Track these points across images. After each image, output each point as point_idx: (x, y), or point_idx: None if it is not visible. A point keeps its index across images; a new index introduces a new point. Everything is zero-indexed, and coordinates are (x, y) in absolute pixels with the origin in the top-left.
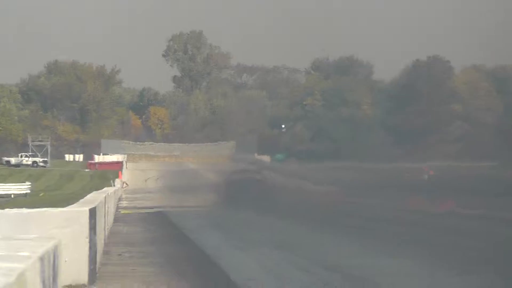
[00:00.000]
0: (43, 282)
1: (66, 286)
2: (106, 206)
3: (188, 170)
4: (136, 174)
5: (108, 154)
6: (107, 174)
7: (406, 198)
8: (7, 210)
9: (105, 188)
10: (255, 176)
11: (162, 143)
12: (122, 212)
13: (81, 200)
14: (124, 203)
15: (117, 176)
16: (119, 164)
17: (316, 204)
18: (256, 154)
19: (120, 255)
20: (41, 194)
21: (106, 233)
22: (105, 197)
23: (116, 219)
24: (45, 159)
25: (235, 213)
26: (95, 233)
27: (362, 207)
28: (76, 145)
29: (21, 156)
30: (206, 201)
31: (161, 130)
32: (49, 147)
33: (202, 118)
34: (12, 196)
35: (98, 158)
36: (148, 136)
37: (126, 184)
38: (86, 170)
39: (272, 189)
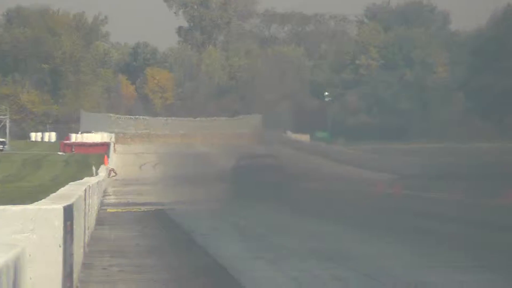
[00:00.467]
0: None
1: None
2: (87, 202)
3: (198, 154)
4: (128, 160)
5: (89, 132)
6: (88, 160)
7: (504, 191)
8: None
9: (86, 179)
10: (272, 161)
11: (163, 118)
12: (109, 210)
13: (53, 195)
14: (111, 199)
15: (102, 162)
16: (104, 146)
17: (374, 200)
18: (290, 132)
19: (105, 269)
20: None
21: (87, 239)
22: (85, 191)
23: (101, 220)
24: (3, 139)
25: (257, 211)
26: (72, 239)
27: (439, 203)
28: (45, 120)
29: None
30: (221, 195)
31: (161, 100)
32: (8, 122)
33: (217, 84)
34: None
35: (76, 138)
36: (144, 109)
37: (114, 172)
38: (60, 153)
39: (301, 177)
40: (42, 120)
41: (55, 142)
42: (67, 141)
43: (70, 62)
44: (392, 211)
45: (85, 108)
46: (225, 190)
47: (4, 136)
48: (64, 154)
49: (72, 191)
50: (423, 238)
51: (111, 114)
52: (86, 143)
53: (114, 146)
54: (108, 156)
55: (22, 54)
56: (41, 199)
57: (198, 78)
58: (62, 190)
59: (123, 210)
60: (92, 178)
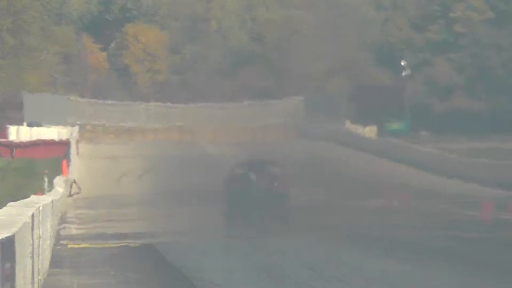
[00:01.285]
0: None
1: None
2: (37, 234)
3: (205, 159)
4: (100, 167)
5: (39, 126)
6: (36, 168)
7: None
8: None
9: (34, 197)
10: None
11: (151, 103)
12: (70, 245)
13: None
14: (73, 228)
15: (59, 172)
16: (62, 146)
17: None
18: (348, 122)
19: None
20: None
21: None
22: (33, 216)
23: (58, 261)
24: None
25: (290, 241)
26: None
27: None
28: None
29: None
30: (236, 219)
31: (149, 74)
32: None
33: (235, 50)
34: None
35: (17, 134)
36: (123, 88)
37: (78, 187)
38: None
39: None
40: None
41: None
42: (3, 140)
43: (7, 15)
44: None
45: (30, 87)
46: (243, 212)
47: None
48: None
49: (12, 216)
50: None
51: (72, 97)
52: (33, 142)
53: (77, 146)
54: (68, 162)
55: None
56: None
57: (205, 40)
58: None
59: (92, 246)
60: (43, 196)
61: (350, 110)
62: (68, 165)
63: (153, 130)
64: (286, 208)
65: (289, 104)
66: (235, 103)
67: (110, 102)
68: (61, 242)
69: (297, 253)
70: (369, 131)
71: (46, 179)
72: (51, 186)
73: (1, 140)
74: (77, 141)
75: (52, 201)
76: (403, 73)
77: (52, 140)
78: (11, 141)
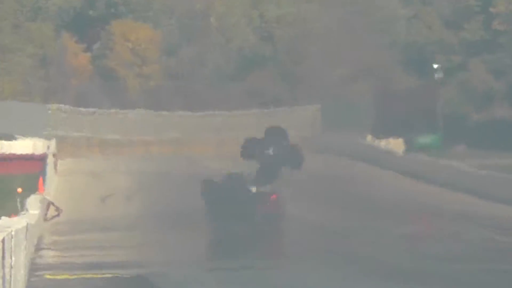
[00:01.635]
0: None
1: None
2: (7, 263)
3: (203, 176)
4: (81, 185)
5: (11, 138)
6: (8, 185)
7: None
8: None
9: (3, 220)
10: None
11: (141, 112)
12: (47, 276)
13: None
14: (51, 256)
15: (35, 190)
16: (38, 161)
17: None
18: (370, 135)
19: None
20: None
21: None
22: (3, 243)
23: None
24: None
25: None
26: None
27: None
28: None
29: None
30: (249, 246)
31: (139, 80)
32: None
33: (240, 50)
34: None
35: None
36: (109, 94)
37: (56, 209)
38: None
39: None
40: None
41: None
42: None
43: None
44: None
45: (1, 95)
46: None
47: None
48: None
49: None
50: None
51: (50, 104)
52: (3, 156)
53: (55, 161)
54: (44, 180)
55: None
56: None
57: (205, 39)
58: None
59: (74, 277)
60: (15, 219)
61: (373, 121)
62: (44, 183)
63: (144, 143)
64: (276, 229)
65: (303, 114)
66: (240, 112)
67: (93, 110)
68: (37, 272)
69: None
70: (395, 145)
71: (18, 200)
72: (24, 207)
73: None
74: (55, 156)
75: (27, 225)
76: (436, 76)
77: (26, 154)
78: None
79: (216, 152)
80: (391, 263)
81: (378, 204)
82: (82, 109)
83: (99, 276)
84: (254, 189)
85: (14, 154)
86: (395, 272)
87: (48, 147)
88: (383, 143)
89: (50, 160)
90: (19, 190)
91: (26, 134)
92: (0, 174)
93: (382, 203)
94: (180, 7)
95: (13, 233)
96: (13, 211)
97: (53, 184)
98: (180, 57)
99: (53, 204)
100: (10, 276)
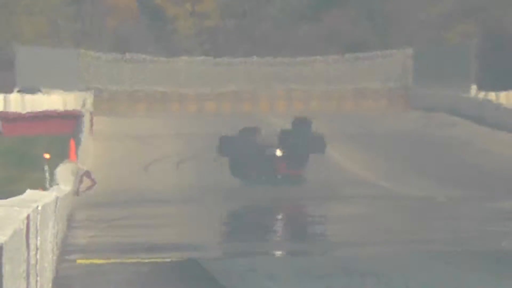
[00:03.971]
0: None
1: None
2: (33, 244)
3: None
4: (120, 151)
5: (36, 91)
6: (33, 150)
7: None
8: None
9: (29, 193)
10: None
11: (195, 59)
12: (79, 261)
13: None
14: (84, 235)
15: (65, 157)
16: (68, 120)
17: None
18: (475, 87)
19: None
20: None
21: None
22: (28, 220)
23: (64, 284)
24: None
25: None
26: None
27: None
28: None
29: None
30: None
31: (193, 19)
32: None
33: None
34: None
35: (5, 103)
36: (156, 39)
37: (91, 180)
38: None
39: None
40: None
41: None
42: None
43: None
44: None
45: (24, 38)
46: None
47: None
48: None
49: None
50: None
51: (83, 51)
52: (29, 114)
53: (91, 120)
54: (77, 144)
55: None
56: None
57: None
58: None
59: (111, 261)
60: (43, 192)
61: (479, 69)
62: (77, 148)
63: (198, 97)
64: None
65: (391, 60)
66: (316, 59)
67: (136, 57)
68: (67, 256)
69: (401, 275)
70: (506, 99)
71: (46, 168)
72: (53, 177)
73: None
74: (91, 114)
75: (56, 199)
76: None
77: (55, 111)
78: None
79: (284, 109)
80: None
81: (484, 173)
82: (122, 55)
83: (141, 260)
84: (278, 152)
85: (39, 112)
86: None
87: (82, 103)
88: (491, 97)
89: (84, 119)
90: (47, 156)
91: (53, 86)
92: (24, 136)
93: (490, 172)
94: None
95: (39, 208)
96: (39, 182)
97: (87, 148)
98: None
99: (88, 174)
100: (36, 260)
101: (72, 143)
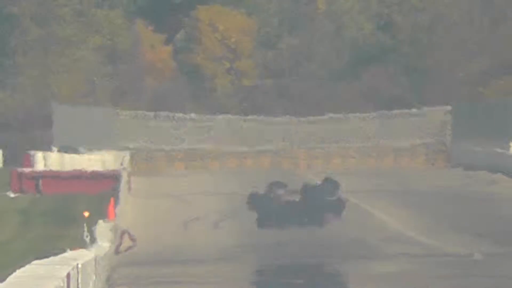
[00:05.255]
0: None
1: None
2: None
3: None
4: (160, 209)
5: (75, 151)
6: (71, 209)
7: None
8: None
9: (69, 254)
10: None
11: (233, 117)
12: None
13: None
14: None
15: (104, 216)
16: (108, 179)
17: None
18: None
19: None
20: None
21: None
22: (67, 279)
23: None
24: None
25: None
26: None
27: None
28: None
29: None
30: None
31: (231, 77)
32: None
33: (353, 43)
34: None
35: (44, 161)
36: (194, 97)
37: (131, 238)
38: (10, 194)
39: None
40: None
41: (1, 169)
42: (26, 169)
43: None
44: None
45: (62, 97)
46: None
47: None
48: (18, 195)
49: (38, 279)
50: None
51: (121, 110)
52: (67, 172)
53: (129, 179)
54: (116, 202)
55: None
56: None
57: (311, 28)
58: (13, 279)
59: None
60: (81, 251)
61: None
62: (116, 206)
63: (237, 155)
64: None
65: (431, 117)
66: (354, 116)
67: (176, 116)
68: None
69: None
70: None
71: (85, 226)
72: (92, 236)
73: (22, 169)
74: (129, 173)
75: (96, 258)
76: None
77: (94, 171)
78: (37, 171)
79: (323, 166)
80: None
81: None
82: (160, 113)
83: None
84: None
85: (78, 171)
86: None
87: (120, 162)
88: None
89: (122, 178)
90: (86, 214)
91: (92, 146)
92: (63, 194)
93: None
94: None
95: (79, 267)
96: (79, 241)
97: (126, 207)
98: (280, 50)
99: (127, 232)
100: None
101: (111, 201)
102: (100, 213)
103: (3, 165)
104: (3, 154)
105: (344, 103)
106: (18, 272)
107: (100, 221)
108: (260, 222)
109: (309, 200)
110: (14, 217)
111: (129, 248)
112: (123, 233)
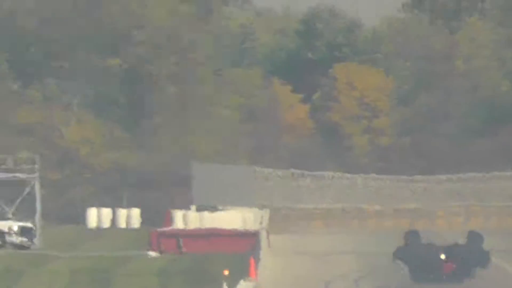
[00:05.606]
0: None
1: None
2: None
3: None
4: (299, 267)
5: (213, 209)
6: (211, 268)
7: None
8: None
9: None
10: None
11: (371, 177)
12: None
13: None
14: None
15: (243, 274)
16: (248, 238)
17: None
18: None
19: None
20: None
21: None
22: None
23: None
24: (28, 224)
25: None
26: None
27: None
28: (114, 180)
29: None
30: None
31: (368, 136)
32: (37, 187)
33: (489, 100)
34: None
35: (184, 221)
36: (332, 156)
37: None
38: (150, 253)
39: None
40: (106, 181)
41: (138, 229)
42: (167, 228)
43: (165, 54)
44: None
45: (200, 156)
46: None
47: (31, 215)
48: (159, 255)
49: None
50: None
51: (259, 168)
52: (208, 231)
53: (268, 237)
54: (256, 261)
55: (64, 42)
56: None
57: (448, 86)
58: None
59: None
60: None
61: None
62: (256, 265)
63: (376, 214)
64: None
65: None
66: (494, 175)
67: (313, 174)
68: None
69: None
70: None
71: (225, 285)
72: None
73: (162, 229)
74: (267, 231)
75: None
76: None
77: (233, 229)
78: (177, 230)
79: (464, 225)
80: None
81: None
82: (297, 172)
83: None
84: (442, 256)
85: (218, 229)
86: None
87: (261, 220)
88: None
89: (262, 236)
90: (226, 272)
91: (229, 203)
92: (203, 253)
93: None
94: (416, 48)
95: None
96: None
97: (266, 266)
98: (417, 108)
99: None
100: None
101: (252, 260)
102: (241, 271)
103: (141, 224)
104: (140, 214)
105: (482, 161)
106: None
107: (242, 281)
108: (413, 274)
109: (457, 254)
110: (154, 279)
111: None
112: None
